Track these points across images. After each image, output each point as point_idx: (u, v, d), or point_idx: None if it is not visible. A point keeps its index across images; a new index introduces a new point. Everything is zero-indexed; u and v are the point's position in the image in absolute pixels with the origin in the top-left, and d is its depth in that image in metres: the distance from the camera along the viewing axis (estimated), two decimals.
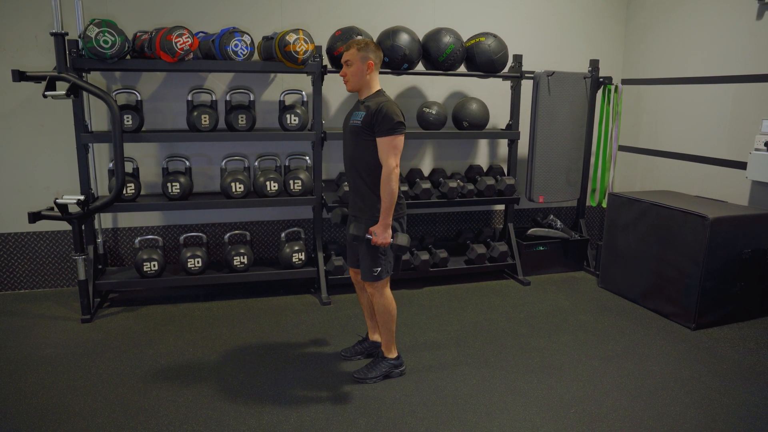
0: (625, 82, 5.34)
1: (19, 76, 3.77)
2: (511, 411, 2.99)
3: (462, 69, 4.75)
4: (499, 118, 5.25)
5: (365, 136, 3.00)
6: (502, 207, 5.47)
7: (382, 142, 2.93)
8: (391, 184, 2.92)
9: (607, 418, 2.94)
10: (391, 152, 2.92)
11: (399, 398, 3.10)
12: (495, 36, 4.67)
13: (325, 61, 4.43)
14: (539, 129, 4.85)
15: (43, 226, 4.45)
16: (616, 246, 4.66)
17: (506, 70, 4.84)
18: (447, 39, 4.48)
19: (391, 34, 4.38)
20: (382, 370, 3.29)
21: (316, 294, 4.55)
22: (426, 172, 5.16)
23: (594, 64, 5.12)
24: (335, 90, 4.85)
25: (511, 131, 4.94)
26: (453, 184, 4.69)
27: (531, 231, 5.22)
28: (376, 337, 3.55)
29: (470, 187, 4.78)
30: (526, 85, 4.98)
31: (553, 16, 5.38)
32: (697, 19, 4.85)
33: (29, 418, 2.88)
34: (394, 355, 3.33)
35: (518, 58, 4.84)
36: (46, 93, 3.79)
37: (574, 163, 5.12)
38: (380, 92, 3.10)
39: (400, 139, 2.95)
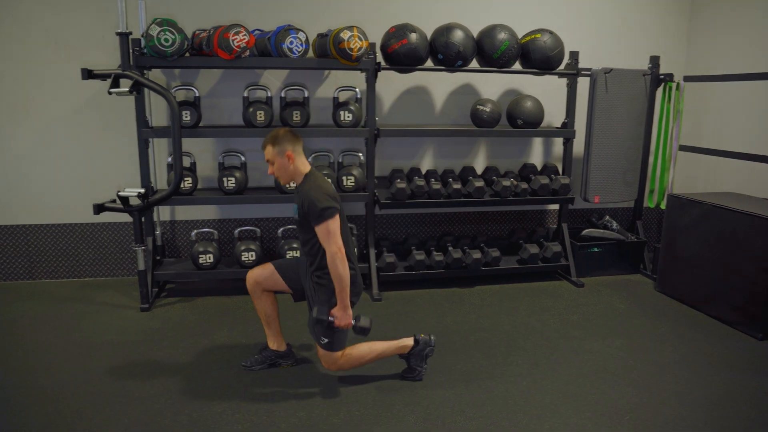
0: (687, 79, 5.16)
1: (87, 74, 3.91)
2: (563, 415, 2.94)
3: (517, 66, 4.69)
4: (554, 116, 5.16)
5: (305, 226, 3.03)
6: (556, 207, 5.37)
7: (318, 232, 2.94)
8: (338, 269, 2.90)
9: (665, 428, 2.85)
10: (328, 238, 2.91)
11: (449, 397, 3.09)
12: (551, 32, 4.58)
13: (379, 58, 4.44)
14: (596, 127, 4.74)
15: (106, 217, 4.61)
16: (676, 249, 4.51)
17: (562, 67, 4.75)
18: (502, 36, 4.42)
19: (445, 30, 4.36)
20: (418, 359, 3.25)
21: (367, 290, 4.57)
22: (479, 170, 5.12)
23: (654, 61, 4.96)
24: (389, 87, 4.87)
25: (566, 129, 4.84)
26: (506, 182, 4.63)
27: (585, 232, 5.11)
28: (274, 345, 3.39)
29: (524, 186, 4.72)
30: (583, 83, 4.87)
31: (612, 11, 5.24)
32: None
33: (94, 400, 3.01)
34: (409, 345, 3.25)
35: (574, 55, 4.74)
36: (111, 90, 3.93)
37: (631, 163, 4.98)
38: (306, 177, 3.07)
39: (332, 222, 2.92)
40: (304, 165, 3.08)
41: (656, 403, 3.06)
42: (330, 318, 3.02)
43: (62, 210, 4.72)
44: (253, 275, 3.26)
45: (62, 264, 4.82)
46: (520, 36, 4.59)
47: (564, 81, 4.87)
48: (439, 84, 5.00)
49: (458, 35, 4.33)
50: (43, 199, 4.67)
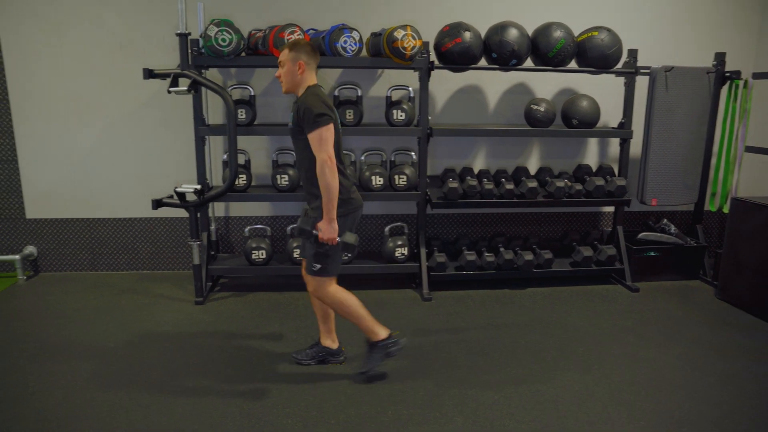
0: (756, 76, 4.95)
1: (148, 74, 4.04)
2: (615, 422, 2.87)
3: (573, 65, 4.59)
4: (611, 116, 5.03)
5: (300, 135, 2.97)
6: (611, 209, 5.23)
7: (311, 139, 2.88)
8: (326, 177, 2.84)
9: None
10: (320, 145, 2.85)
11: (498, 399, 3.05)
12: (609, 30, 4.47)
13: (433, 57, 4.42)
14: (654, 128, 4.59)
15: (163, 212, 4.75)
16: (739, 255, 4.33)
17: (620, 65, 4.63)
18: (557, 34, 4.34)
19: (499, 29, 4.31)
20: (378, 355, 3.21)
21: (417, 289, 4.57)
22: (532, 170, 5.04)
23: (719, 58, 4.78)
24: (442, 86, 4.84)
25: (623, 130, 4.71)
26: (560, 183, 4.55)
27: (642, 235, 4.97)
28: (327, 342, 3.41)
29: (578, 187, 4.62)
30: (641, 81, 4.72)
31: (673, 7, 5.06)
32: None
33: (150, 389, 3.10)
34: (382, 336, 3.20)
35: (633, 53, 4.61)
36: (170, 89, 4.04)
37: (692, 165, 4.81)
38: (309, 89, 3.01)
39: (326, 130, 2.86)
40: (311, 79, 3.04)
41: (716, 416, 2.94)
42: (314, 231, 2.96)
43: (123, 205, 4.89)
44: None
45: (122, 257, 5.00)
46: (576, 34, 4.49)
47: (621, 80, 4.75)
48: (493, 83, 4.95)
49: (513, 33, 4.27)
50: (105, 194, 4.86)
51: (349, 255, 3.14)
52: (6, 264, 4.91)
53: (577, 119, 4.57)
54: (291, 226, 4.66)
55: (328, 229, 2.92)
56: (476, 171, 4.91)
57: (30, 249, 4.91)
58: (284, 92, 3.08)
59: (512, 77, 4.94)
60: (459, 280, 4.63)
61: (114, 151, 4.79)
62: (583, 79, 4.99)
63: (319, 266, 3.05)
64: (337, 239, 2.96)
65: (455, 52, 4.28)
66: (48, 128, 4.73)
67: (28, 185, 4.82)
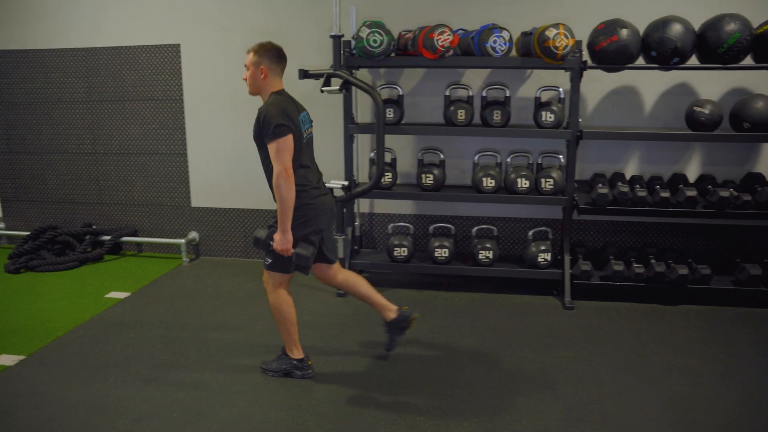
0: None
1: (303, 74, 4.25)
2: None
3: (747, 61, 4.17)
4: None
5: (261, 145, 2.96)
6: None
7: (269, 149, 2.88)
8: (280, 189, 2.85)
9: None
10: (276, 156, 2.84)
11: (649, 425, 2.86)
12: None
13: (585, 57, 4.24)
14: None
15: None
16: None
17: None
18: (731, 27, 3.96)
19: (660, 25, 4.02)
20: (282, 366, 3.21)
21: (558, 297, 4.41)
22: (691, 178, 4.66)
23: None
24: (594, 87, 4.62)
25: None
26: (724, 193, 4.16)
27: None
28: (391, 315, 3.32)
29: (746, 197, 4.19)
30: None
31: None
32: None
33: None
34: (296, 356, 3.21)
35: None
36: (323, 89, 4.22)
37: None
38: (271, 96, 3.00)
39: (283, 141, 2.85)
40: (275, 85, 3.05)
41: None
42: (270, 241, 2.98)
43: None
44: (322, 276, 3.35)
45: None
46: (755, 26, 4.06)
47: None
48: (650, 83, 4.64)
49: (676, 29, 3.97)
50: (260, 187, 5.15)
51: (303, 269, 3.07)
52: (173, 247, 5.44)
53: (749, 122, 4.15)
54: (433, 226, 4.69)
55: (281, 240, 2.94)
56: (628, 176, 4.63)
57: (193, 234, 5.40)
58: (249, 94, 3.12)
59: (672, 77, 4.60)
60: (604, 291, 4.39)
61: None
62: (759, 77, 4.52)
63: (270, 260, 3.07)
64: (291, 250, 2.98)
65: (610, 51, 4.07)
66: (213, 125, 5.16)
67: (194, 176, 5.30)
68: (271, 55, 3.04)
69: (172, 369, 3.38)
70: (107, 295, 4.51)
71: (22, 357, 3.54)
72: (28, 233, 5.48)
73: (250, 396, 3.09)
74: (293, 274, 3.13)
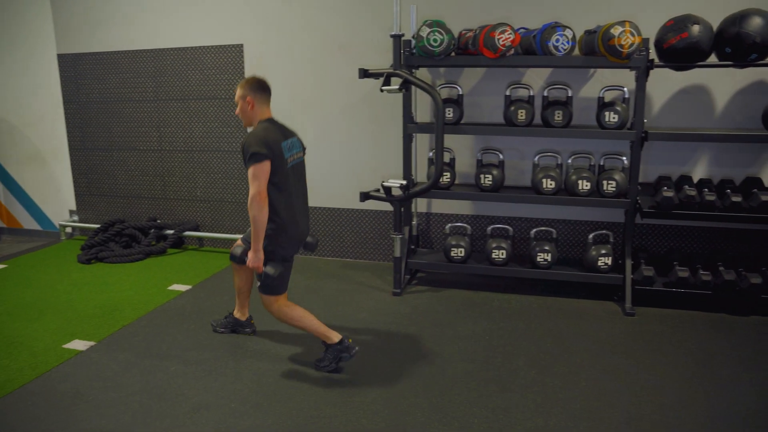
0: None
1: (363, 73, 4.28)
2: None
3: None
4: None
5: (245, 169, 3.11)
6: None
7: (248, 174, 3.06)
8: (253, 211, 3.04)
9: None
10: (252, 181, 3.04)
11: None
12: None
13: (653, 55, 4.10)
14: None
15: (369, 205, 5.01)
16: None
17: None
18: None
19: (738, 19, 3.84)
20: (329, 356, 3.31)
21: (619, 302, 4.29)
22: (767, 182, 4.44)
23: None
24: (661, 86, 4.47)
25: None
26: None
27: None
28: (238, 314, 3.77)
29: None
30: None
31: None
32: None
33: (346, 370, 3.31)
34: (335, 340, 3.30)
35: None
36: (383, 88, 4.24)
37: None
38: (258, 125, 3.22)
39: (259, 167, 3.02)
40: (262, 113, 3.26)
41: None
42: (244, 257, 3.23)
43: (332, 195, 5.26)
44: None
45: (328, 244, 5.38)
46: None
47: None
48: (722, 81, 4.44)
49: (755, 23, 3.77)
50: (319, 185, 5.25)
51: (265, 285, 3.23)
52: (233, 242, 5.43)
53: None
54: (491, 226, 4.64)
55: (253, 258, 3.15)
56: (696, 179, 4.45)
57: None
58: (245, 126, 3.33)
59: (747, 74, 4.39)
60: (667, 298, 4.24)
61: (329, 146, 5.18)
62: None
63: (259, 282, 3.24)
64: (262, 268, 3.17)
65: (679, 48, 3.92)
66: None
67: None
68: (255, 86, 3.28)
69: (231, 360, 3.47)
70: (170, 287, 4.66)
71: (92, 343, 3.71)
72: (98, 226, 5.75)
73: (305, 391, 3.14)
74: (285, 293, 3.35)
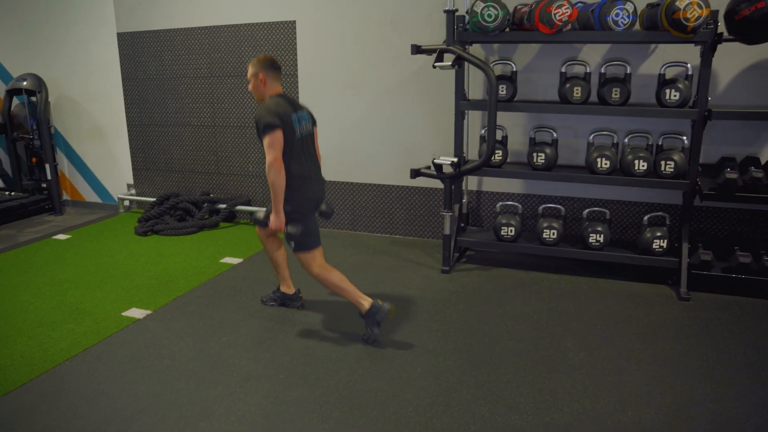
0: None
1: (416, 49, 4.24)
2: None
3: None
4: None
5: (261, 142, 3.26)
6: None
7: (263, 144, 3.23)
8: (271, 177, 3.21)
9: None
10: (267, 150, 3.20)
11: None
12: None
13: (721, 28, 3.90)
14: None
15: (419, 182, 4.99)
16: None
17: None
18: None
19: None
20: (370, 324, 3.38)
21: (673, 287, 4.17)
22: None
23: None
24: (728, 62, 4.25)
25: None
26: None
27: None
28: (284, 288, 3.90)
29: None
30: None
31: None
32: None
33: (393, 344, 3.33)
34: (368, 305, 3.36)
35: None
36: (435, 64, 4.19)
37: None
38: (269, 99, 3.35)
39: (273, 137, 3.18)
40: (273, 89, 3.40)
41: None
42: (267, 220, 3.44)
43: (383, 172, 5.26)
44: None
45: (378, 220, 5.40)
46: None
47: None
48: None
49: None
50: (369, 161, 5.27)
51: (295, 243, 3.40)
52: None
53: None
54: (542, 206, 4.57)
55: (275, 220, 3.33)
56: (763, 161, 4.26)
57: None
58: (257, 101, 3.46)
59: None
60: (725, 283, 4.08)
61: (379, 122, 5.16)
62: None
63: (292, 243, 3.40)
64: (284, 228, 3.34)
65: (754, 19, 3.68)
66: (326, 99, 5.27)
67: None
68: (267, 64, 3.40)
69: (280, 333, 3.54)
70: (222, 260, 4.78)
71: (148, 312, 3.85)
72: (154, 199, 5.92)
73: (352, 364, 3.18)
74: (320, 249, 3.48)
